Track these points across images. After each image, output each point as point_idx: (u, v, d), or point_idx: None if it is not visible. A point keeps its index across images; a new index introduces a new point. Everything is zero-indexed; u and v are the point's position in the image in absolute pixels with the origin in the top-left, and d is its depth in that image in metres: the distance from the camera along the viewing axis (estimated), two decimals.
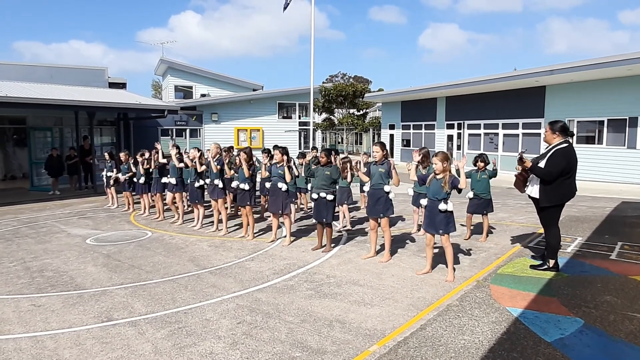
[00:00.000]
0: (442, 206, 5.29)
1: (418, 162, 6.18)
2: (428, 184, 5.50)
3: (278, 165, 7.26)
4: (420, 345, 3.71)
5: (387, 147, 6.46)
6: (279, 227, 7.75)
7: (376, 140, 32.37)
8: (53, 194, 13.68)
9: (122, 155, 10.72)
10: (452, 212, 5.38)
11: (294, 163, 8.25)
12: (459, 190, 5.34)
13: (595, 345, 3.66)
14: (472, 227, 7.58)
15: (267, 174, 7.54)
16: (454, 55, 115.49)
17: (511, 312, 4.33)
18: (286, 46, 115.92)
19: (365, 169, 6.44)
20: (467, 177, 7.23)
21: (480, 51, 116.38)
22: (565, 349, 3.59)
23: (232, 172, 7.97)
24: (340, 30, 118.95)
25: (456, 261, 6.15)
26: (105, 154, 11.52)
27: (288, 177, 7.08)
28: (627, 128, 14.29)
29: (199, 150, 8.72)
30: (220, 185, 8.11)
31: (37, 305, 4.85)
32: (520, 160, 5.54)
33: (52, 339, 4.03)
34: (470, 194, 7.31)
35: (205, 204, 8.87)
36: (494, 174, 7.27)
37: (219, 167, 8.09)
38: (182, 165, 8.84)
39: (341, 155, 9.02)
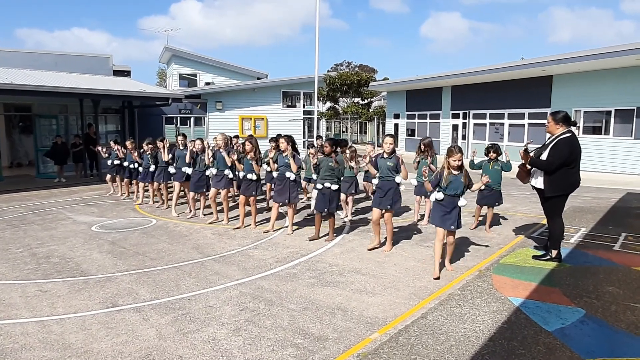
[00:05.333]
0: (461, 202, 5.21)
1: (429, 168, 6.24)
2: (444, 182, 5.19)
3: (284, 155, 7.22)
4: (421, 333, 3.74)
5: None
6: (282, 217, 7.75)
7: (381, 130, 32.28)
8: (59, 181, 13.78)
9: (127, 143, 10.75)
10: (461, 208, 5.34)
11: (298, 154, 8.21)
12: (471, 188, 5.30)
13: (595, 335, 3.68)
14: (480, 218, 7.56)
15: (276, 165, 7.44)
16: (456, 45, 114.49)
17: (512, 302, 4.35)
18: (289, 35, 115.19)
19: (372, 161, 6.34)
20: (478, 168, 7.24)
21: (483, 40, 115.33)
22: (566, 338, 3.60)
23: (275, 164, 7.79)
24: (343, 19, 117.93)
25: (459, 251, 6.16)
26: (111, 142, 11.55)
27: (294, 167, 7.06)
28: (634, 118, 14.13)
29: (201, 140, 8.71)
30: (231, 175, 8.06)
31: (43, 291, 4.92)
32: (526, 152, 5.51)
33: (58, 324, 4.09)
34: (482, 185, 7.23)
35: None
36: (508, 167, 7.17)
37: (211, 158, 8.07)
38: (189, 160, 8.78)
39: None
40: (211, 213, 8.90)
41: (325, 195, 6.78)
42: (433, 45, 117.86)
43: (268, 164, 7.98)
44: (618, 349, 3.49)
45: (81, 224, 8.25)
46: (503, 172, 7.22)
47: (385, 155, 6.07)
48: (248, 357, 3.46)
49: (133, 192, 10.67)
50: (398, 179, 6.04)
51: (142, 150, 10.09)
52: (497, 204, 7.28)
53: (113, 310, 4.38)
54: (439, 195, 5.30)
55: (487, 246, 6.48)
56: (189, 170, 8.76)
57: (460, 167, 5.21)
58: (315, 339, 3.74)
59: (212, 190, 8.30)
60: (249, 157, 7.55)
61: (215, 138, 8.32)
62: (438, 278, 5.14)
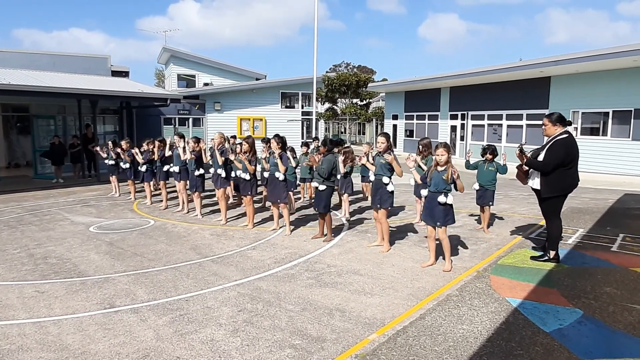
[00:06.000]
0: (441, 199, 5.24)
1: (416, 161, 6.23)
2: (429, 178, 5.41)
3: (275, 155, 7.26)
4: (419, 334, 3.74)
5: (390, 139, 6.40)
6: (280, 216, 7.76)
7: (380, 131, 32.36)
8: (56, 182, 13.74)
9: (123, 143, 10.74)
10: (451, 205, 5.34)
11: (293, 153, 8.22)
12: (456, 188, 5.32)
13: (593, 336, 3.68)
14: (475, 218, 7.56)
15: (268, 165, 7.50)
16: (454, 46, 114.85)
17: (510, 303, 4.35)
18: (288, 36, 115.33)
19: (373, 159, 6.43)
20: (474, 168, 7.28)
21: (481, 42, 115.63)
22: (564, 339, 3.61)
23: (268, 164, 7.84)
24: (341, 20, 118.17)
25: (457, 252, 6.17)
26: (109, 142, 11.54)
27: (282, 168, 7.08)
28: (632, 120, 14.17)
29: (198, 139, 8.71)
30: (223, 174, 8.10)
31: (40, 292, 4.90)
32: (521, 153, 5.52)
33: (56, 325, 4.08)
34: (476, 185, 7.28)
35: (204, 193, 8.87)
36: (503, 170, 7.18)
37: (223, 158, 8.08)
38: (187, 157, 8.79)
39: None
40: (209, 213, 8.90)
41: (316, 195, 6.92)
42: (431, 47, 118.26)
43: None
44: (616, 349, 3.49)
45: (79, 225, 8.23)
46: (499, 174, 7.24)
47: (381, 153, 6.11)
48: (246, 358, 3.45)
49: (141, 192, 10.70)
50: (385, 179, 6.07)
51: (142, 150, 10.10)
52: (490, 203, 7.30)
53: (110, 311, 4.37)
54: (424, 192, 5.51)
55: (467, 248, 6.49)
56: (176, 169, 9.01)
57: (446, 163, 5.24)
58: (314, 339, 3.74)
59: (217, 191, 8.32)
60: (240, 156, 7.61)
61: (213, 139, 8.31)
62: (433, 264, 5.58)
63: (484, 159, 7.28)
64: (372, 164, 6.33)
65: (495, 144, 18.27)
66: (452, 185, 5.27)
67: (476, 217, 7.89)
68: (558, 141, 5.30)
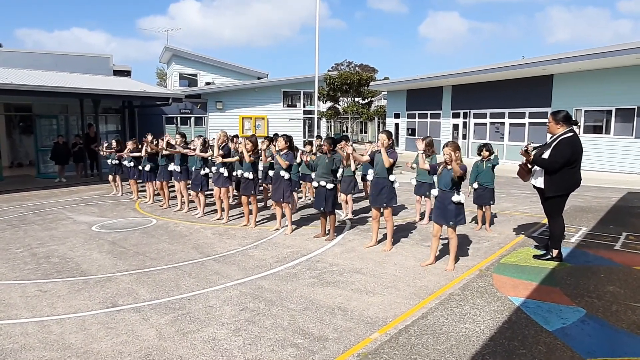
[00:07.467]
0: (455, 197, 5.20)
1: (423, 150, 6.18)
2: (439, 174, 5.40)
3: (281, 153, 7.24)
4: (421, 333, 3.73)
5: (393, 137, 6.37)
6: (283, 215, 7.76)
7: (382, 129, 32.37)
8: (59, 181, 13.77)
9: (129, 143, 10.75)
10: (462, 203, 5.31)
11: (299, 151, 8.22)
12: (462, 179, 5.26)
13: (596, 335, 3.67)
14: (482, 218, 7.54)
15: (269, 159, 7.54)
16: (455, 44, 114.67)
17: (513, 302, 4.34)
18: (288, 36, 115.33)
19: (369, 157, 6.42)
20: (475, 167, 7.25)
21: (482, 40, 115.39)
22: (567, 338, 3.59)
23: (269, 159, 7.84)
24: (341, 19, 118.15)
25: (460, 251, 6.14)
26: (113, 141, 11.55)
27: (282, 163, 7.06)
28: (635, 118, 14.12)
29: (202, 138, 8.72)
30: (226, 173, 8.10)
31: (43, 291, 4.92)
32: (526, 152, 5.49)
33: (58, 324, 4.09)
34: (476, 185, 7.27)
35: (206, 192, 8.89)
36: (496, 161, 7.21)
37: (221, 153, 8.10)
38: (186, 151, 8.82)
39: (342, 143, 8.98)
40: (212, 212, 8.90)
41: (321, 193, 6.81)
42: (432, 45, 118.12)
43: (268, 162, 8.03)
44: (619, 348, 3.48)
45: (81, 224, 8.25)
46: (496, 168, 7.25)
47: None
48: (248, 357, 3.45)
49: (143, 191, 10.72)
50: (392, 177, 6.05)
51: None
52: (491, 202, 7.28)
53: (113, 310, 4.38)
54: (434, 192, 5.51)
55: (469, 246, 6.47)
56: (177, 168, 9.01)
57: (455, 161, 5.18)
58: (316, 339, 3.73)
59: (216, 189, 8.32)
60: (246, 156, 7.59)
61: (217, 138, 8.31)
62: (432, 263, 5.57)
63: (481, 157, 7.29)
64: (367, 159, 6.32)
65: (498, 142, 18.30)
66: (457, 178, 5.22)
67: (474, 216, 7.86)
68: (564, 140, 5.27)
